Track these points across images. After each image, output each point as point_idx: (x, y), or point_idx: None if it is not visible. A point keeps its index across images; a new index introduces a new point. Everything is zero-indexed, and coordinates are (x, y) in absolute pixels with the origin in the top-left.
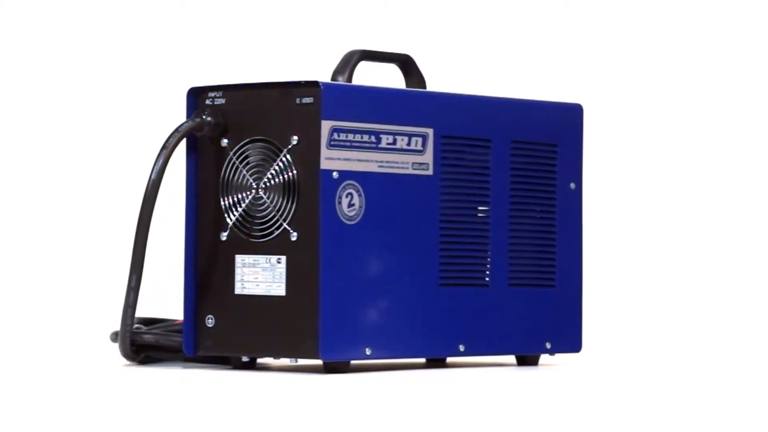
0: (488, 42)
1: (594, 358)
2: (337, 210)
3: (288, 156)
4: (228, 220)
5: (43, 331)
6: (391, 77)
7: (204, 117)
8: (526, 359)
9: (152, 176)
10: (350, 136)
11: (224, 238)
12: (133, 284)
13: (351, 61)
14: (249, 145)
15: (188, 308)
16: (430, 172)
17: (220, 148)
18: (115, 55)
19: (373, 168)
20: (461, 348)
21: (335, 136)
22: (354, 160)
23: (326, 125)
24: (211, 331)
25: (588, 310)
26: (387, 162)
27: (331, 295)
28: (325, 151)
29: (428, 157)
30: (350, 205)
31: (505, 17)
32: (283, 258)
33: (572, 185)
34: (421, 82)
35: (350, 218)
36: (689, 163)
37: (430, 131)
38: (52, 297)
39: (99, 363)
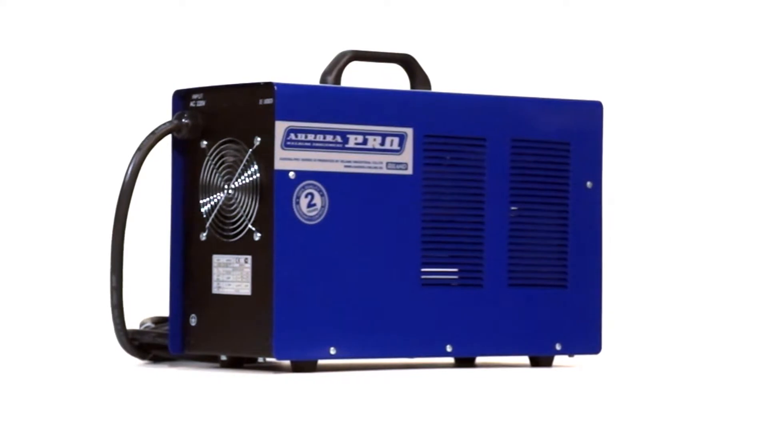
0: (492, 42)
1: (613, 360)
2: (295, 210)
3: (252, 157)
4: (205, 220)
5: (32, 333)
6: (396, 78)
7: (182, 120)
8: (539, 360)
9: (126, 178)
10: (310, 137)
11: (203, 239)
12: (114, 285)
13: (340, 61)
14: (222, 146)
15: (174, 307)
16: (409, 171)
17: (200, 150)
18: (112, 56)
19: (338, 168)
20: (449, 348)
21: (292, 136)
22: (315, 160)
23: (281, 126)
24: (194, 330)
25: (612, 311)
26: (355, 162)
27: (287, 295)
28: (280, 152)
29: (407, 156)
30: (310, 205)
31: (506, 17)
32: (249, 258)
33: (589, 184)
34: (425, 81)
35: (310, 218)
36: (712, 163)
37: (409, 131)
38: (35, 298)
39: (96, 363)
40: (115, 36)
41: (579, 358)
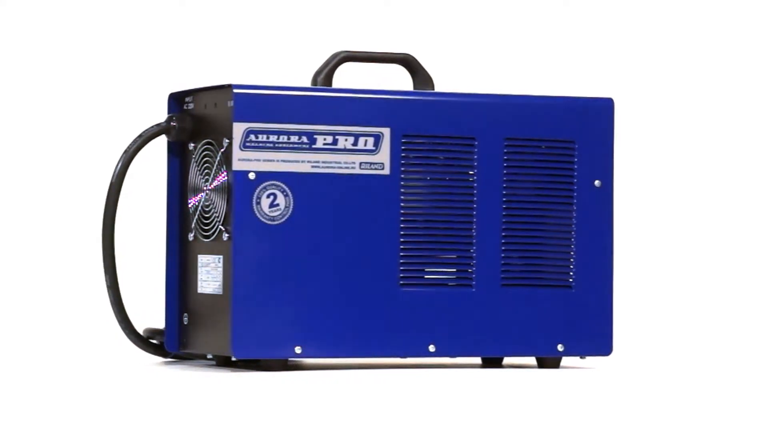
0: (493, 42)
1: (624, 363)
2: (255, 210)
3: (222, 158)
4: (192, 220)
5: (31, 333)
6: (398, 78)
7: (171, 122)
8: (545, 361)
9: (112, 180)
10: (272, 138)
11: (191, 239)
12: (109, 284)
13: (331, 62)
14: (203, 148)
15: (170, 306)
16: (386, 171)
17: (188, 151)
18: (112, 56)
19: (305, 168)
20: (431, 348)
21: (251, 137)
22: (278, 161)
23: (239, 127)
24: (186, 329)
25: (626, 312)
26: (324, 162)
27: (246, 293)
28: (239, 153)
29: (383, 156)
30: (273, 205)
31: (507, 17)
32: (221, 258)
33: (597, 183)
34: (428, 81)
35: (273, 218)
36: (727, 162)
37: (386, 130)
38: (32, 298)
39: (95, 361)
40: (116, 36)
41: (589, 360)
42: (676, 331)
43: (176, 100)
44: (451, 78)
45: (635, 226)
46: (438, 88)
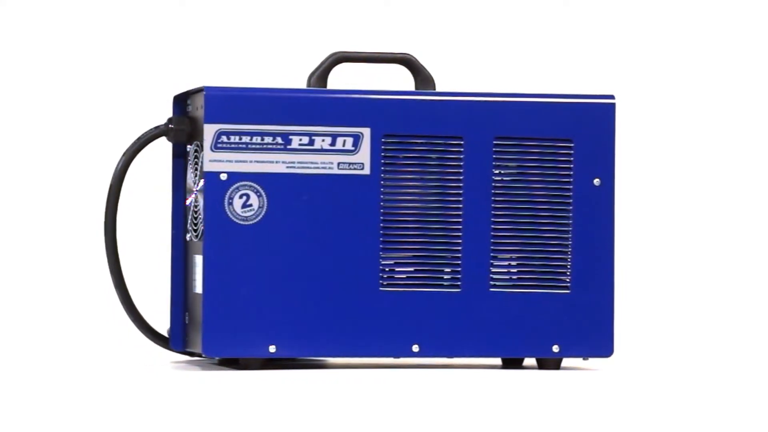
0: (494, 42)
1: (625, 364)
2: (227, 211)
3: (202, 159)
4: (187, 221)
5: (33, 334)
6: (400, 78)
7: (169, 125)
8: (544, 363)
9: (111, 182)
10: (245, 138)
11: (188, 239)
12: (115, 283)
13: (325, 63)
14: (194, 149)
15: (174, 305)
16: (366, 171)
17: (187, 153)
18: (117, 57)
19: (279, 169)
20: (415, 349)
21: (223, 138)
22: (251, 161)
23: (210, 129)
24: (187, 328)
25: (629, 312)
26: (300, 162)
27: (217, 293)
28: (209, 154)
29: (363, 156)
30: (246, 205)
31: (507, 17)
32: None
33: (597, 181)
34: (428, 81)
35: (246, 218)
36: (730, 162)
37: (365, 131)
38: (37, 298)
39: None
40: (117, 37)
41: (590, 361)
42: (678, 332)
43: (179, 102)
44: (451, 78)
45: (637, 225)
46: (439, 88)
